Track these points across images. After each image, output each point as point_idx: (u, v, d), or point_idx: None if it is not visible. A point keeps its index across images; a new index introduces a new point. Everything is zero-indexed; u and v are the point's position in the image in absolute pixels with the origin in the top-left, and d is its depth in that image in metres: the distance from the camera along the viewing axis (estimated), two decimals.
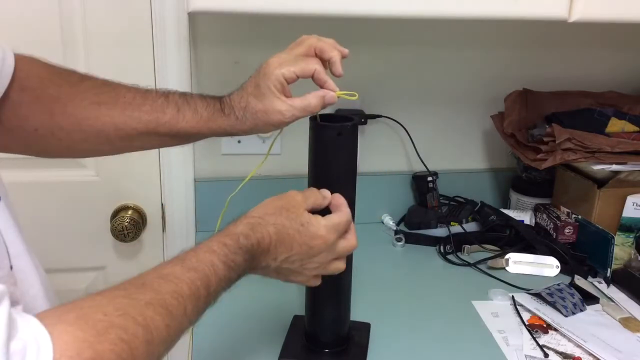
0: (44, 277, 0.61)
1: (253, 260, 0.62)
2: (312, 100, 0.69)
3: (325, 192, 0.71)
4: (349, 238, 0.70)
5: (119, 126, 0.69)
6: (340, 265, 0.70)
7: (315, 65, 0.69)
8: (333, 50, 0.70)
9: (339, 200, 0.71)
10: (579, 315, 0.94)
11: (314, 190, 0.71)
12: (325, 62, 0.71)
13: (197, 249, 0.58)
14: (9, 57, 0.65)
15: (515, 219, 1.17)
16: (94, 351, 0.42)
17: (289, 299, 0.95)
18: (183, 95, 0.73)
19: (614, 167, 1.05)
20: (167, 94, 0.72)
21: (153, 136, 0.71)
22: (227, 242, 0.60)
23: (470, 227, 1.19)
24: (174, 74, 1.09)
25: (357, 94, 0.70)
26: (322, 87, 0.70)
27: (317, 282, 0.71)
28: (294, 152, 1.21)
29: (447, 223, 1.19)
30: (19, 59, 0.66)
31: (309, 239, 0.65)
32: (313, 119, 0.73)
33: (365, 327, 0.88)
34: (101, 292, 0.48)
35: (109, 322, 0.44)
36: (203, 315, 0.56)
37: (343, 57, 0.71)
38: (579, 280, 1.03)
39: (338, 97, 0.70)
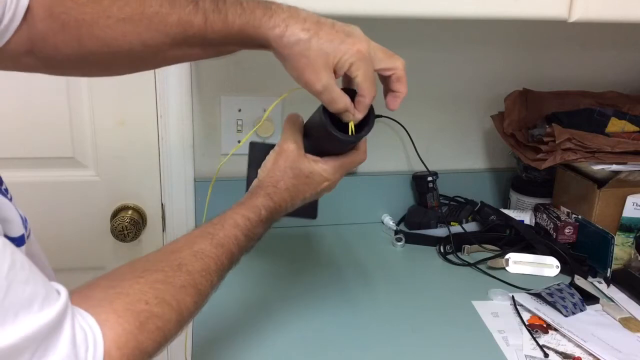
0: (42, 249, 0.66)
1: (272, 222, 0.72)
2: (342, 101, 0.67)
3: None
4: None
5: (147, 42, 0.64)
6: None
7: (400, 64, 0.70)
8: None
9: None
10: (579, 315, 0.94)
11: (296, 125, 0.76)
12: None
13: (224, 222, 0.65)
14: None
15: (515, 219, 1.17)
16: (137, 341, 0.49)
17: (289, 290, 0.95)
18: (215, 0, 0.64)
19: (614, 167, 1.05)
20: (197, 0, 0.64)
21: (184, 47, 0.66)
22: (250, 216, 0.67)
23: (470, 227, 1.19)
24: (174, 74, 1.10)
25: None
26: (390, 87, 0.71)
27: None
28: None
29: (447, 223, 1.19)
30: None
31: (316, 185, 0.74)
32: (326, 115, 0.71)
33: None
34: (142, 273, 0.55)
35: (149, 312, 0.52)
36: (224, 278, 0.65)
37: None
38: (579, 280, 1.03)
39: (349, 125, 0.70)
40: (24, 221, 0.56)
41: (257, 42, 0.65)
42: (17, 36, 0.62)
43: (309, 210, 0.86)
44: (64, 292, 0.47)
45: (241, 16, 0.63)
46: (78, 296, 0.50)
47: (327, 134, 0.70)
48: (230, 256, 0.64)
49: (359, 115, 0.69)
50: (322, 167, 0.74)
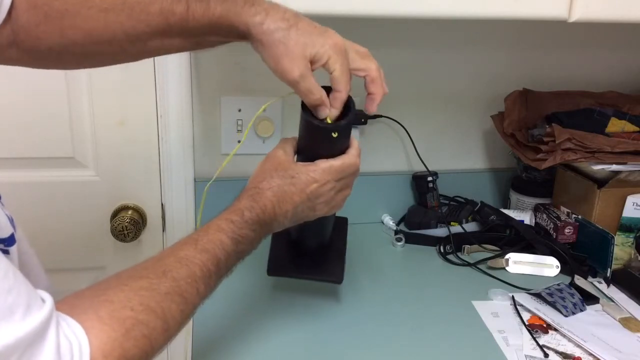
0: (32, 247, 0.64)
1: (263, 228, 0.69)
2: (317, 92, 0.68)
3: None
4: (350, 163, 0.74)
5: (128, 31, 0.65)
6: (347, 193, 0.76)
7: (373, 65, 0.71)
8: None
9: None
10: (579, 315, 0.94)
11: (289, 139, 0.76)
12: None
13: (208, 228, 0.65)
14: None
15: (515, 219, 1.17)
16: (122, 349, 0.49)
17: (290, 290, 0.95)
18: None
19: (614, 167, 1.05)
20: None
21: (164, 38, 0.67)
22: (233, 219, 0.66)
23: (470, 227, 1.19)
24: (174, 73, 1.09)
25: None
26: (366, 89, 0.72)
27: (337, 210, 0.77)
28: None
29: (447, 223, 1.19)
30: None
31: (304, 187, 0.71)
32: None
33: (342, 222, 0.91)
34: (127, 281, 0.54)
35: (135, 319, 0.51)
36: (216, 287, 0.64)
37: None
38: (579, 280, 1.03)
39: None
40: (11, 220, 0.56)
41: (237, 31, 0.65)
42: (1, 29, 0.62)
43: (333, 273, 0.88)
44: (49, 300, 0.47)
45: (223, 4, 0.64)
46: (63, 305, 0.49)
47: (308, 127, 0.71)
48: (216, 262, 0.62)
49: (335, 112, 0.70)
50: (309, 168, 0.72)
